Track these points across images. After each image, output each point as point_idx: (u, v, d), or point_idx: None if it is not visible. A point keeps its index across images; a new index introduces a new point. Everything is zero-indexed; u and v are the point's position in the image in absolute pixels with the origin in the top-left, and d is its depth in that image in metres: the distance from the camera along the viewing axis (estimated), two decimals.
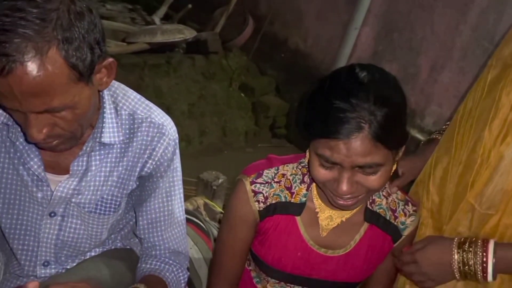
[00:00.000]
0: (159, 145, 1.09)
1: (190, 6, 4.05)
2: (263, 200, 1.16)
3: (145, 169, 1.10)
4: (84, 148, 1.05)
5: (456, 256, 1.03)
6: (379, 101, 0.97)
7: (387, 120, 0.97)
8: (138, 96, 1.12)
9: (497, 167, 1.05)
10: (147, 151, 1.09)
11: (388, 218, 1.18)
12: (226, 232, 1.22)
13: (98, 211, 1.12)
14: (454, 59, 2.92)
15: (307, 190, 1.17)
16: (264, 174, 1.17)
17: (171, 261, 1.19)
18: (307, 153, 1.12)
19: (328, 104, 0.99)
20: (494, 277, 1.03)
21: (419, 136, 2.96)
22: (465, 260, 1.03)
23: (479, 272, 1.02)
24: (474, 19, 2.82)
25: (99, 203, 1.11)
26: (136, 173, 1.11)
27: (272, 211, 1.17)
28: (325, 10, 3.61)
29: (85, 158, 1.07)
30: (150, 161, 1.10)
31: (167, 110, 3.28)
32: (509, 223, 1.05)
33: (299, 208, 1.16)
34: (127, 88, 1.11)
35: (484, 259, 1.01)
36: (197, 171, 2.37)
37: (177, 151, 1.14)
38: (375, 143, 0.97)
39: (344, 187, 1.01)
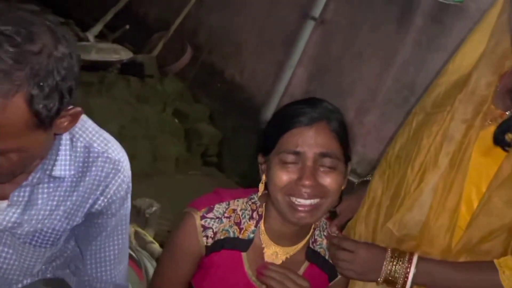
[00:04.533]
0: (113, 181, 1.05)
1: (127, 27, 4.01)
2: (212, 236, 1.16)
3: (96, 206, 1.06)
4: (30, 178, 1.00)
5: (386, 262, 1.15)
6: (334, 107, 1.16)
7: (341, 122, 1.14)
8: (97, 128, 1.08)
9: (417, 200, 1.18)
10: (100, 187, 1.05)
11: (327, 258, 1.25)
12: (167, 264, 1.21)
13: (33, 243, 1.06)
14: (378, 104, 3.17)
15: (255, 226, 1.19)
16: (215, 209, 1.17)
17: None
18: (260, 187, 1.17)
19: (288, 108, 1.16)
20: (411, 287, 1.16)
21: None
22: (393, 267, 1.14)
23: (400, 281, 1.14)
24: (397, 69, 3.10)
25: (37, 234, 1.05)
26: (85, 209, 1.06)
27: (219, 247, 1.17)
28: (262, 47, 3.75)
29: (27, 189, 1.01)
30: (102, 198, 1.06)
31: None
32: (428, 251, 1.16)
33: (246, 244, 1.18)
34: (86, 119, 1.07)
35: (408, 270, 1.13)
36: None
37: (131, 188, 1.11)
38: (333, 135, 1.11)
39: (307, 179, 1.08)
